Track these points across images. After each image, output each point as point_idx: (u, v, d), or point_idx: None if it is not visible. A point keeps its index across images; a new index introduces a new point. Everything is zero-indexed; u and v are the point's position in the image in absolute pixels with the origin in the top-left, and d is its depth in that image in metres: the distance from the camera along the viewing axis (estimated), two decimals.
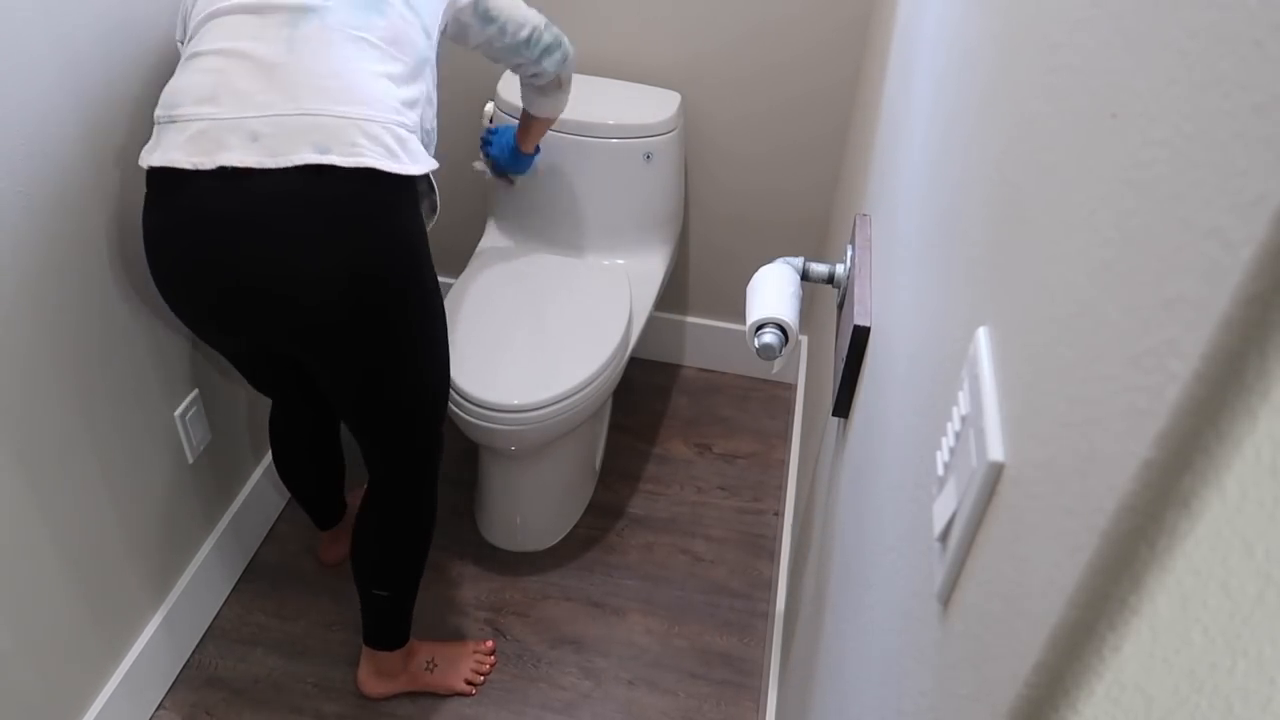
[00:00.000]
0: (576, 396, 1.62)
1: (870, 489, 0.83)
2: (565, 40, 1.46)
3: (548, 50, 1.44)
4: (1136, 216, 0.33)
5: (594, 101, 1.84)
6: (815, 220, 2.06)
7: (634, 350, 1.83)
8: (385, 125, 1.14)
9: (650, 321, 1.95)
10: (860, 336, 0.99)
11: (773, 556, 1.91)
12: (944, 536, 0.50)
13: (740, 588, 1.85)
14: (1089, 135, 0.38)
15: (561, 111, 1.62)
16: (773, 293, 1.11)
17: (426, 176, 1.27)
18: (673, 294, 2.25)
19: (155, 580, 1.58)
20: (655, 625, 1.78)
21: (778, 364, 1.15)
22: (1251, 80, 0.26)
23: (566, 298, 1.84)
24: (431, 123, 1.29)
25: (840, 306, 1.17)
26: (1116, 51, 0.36)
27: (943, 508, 0.51)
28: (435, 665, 1.63)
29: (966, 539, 0.47)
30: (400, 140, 1.16)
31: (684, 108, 1.92)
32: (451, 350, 1.64)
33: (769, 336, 1.08)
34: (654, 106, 1.83)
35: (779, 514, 1.98)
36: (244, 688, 1.65)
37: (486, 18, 1.36)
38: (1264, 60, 0.25)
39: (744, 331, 1.13)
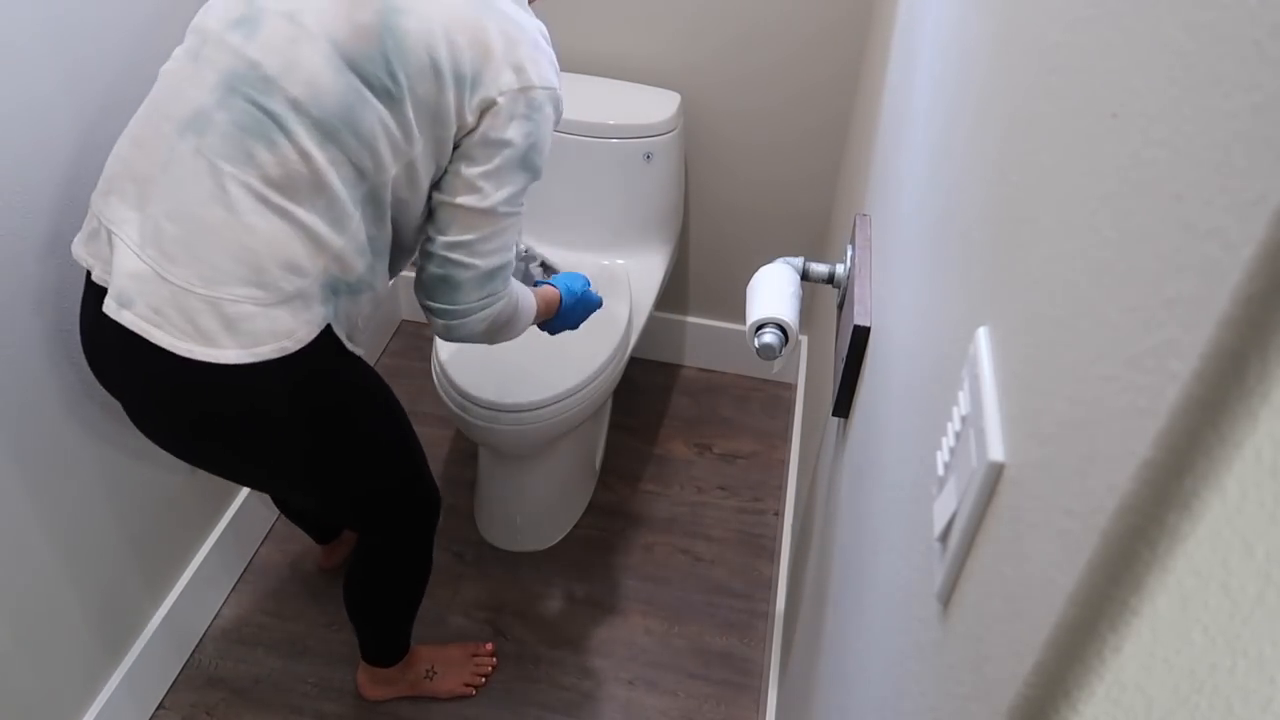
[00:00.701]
0: (576, 396, 1.62)
1: (870, 489, 0.83)
2: (474, 310, 1.13)
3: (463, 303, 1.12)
4: (1136, 216, 0.33)
5: (594, 101, 1.84)
6: (815, 220, 2.06)
7: (634, 350, 1.83)
8: (212, 299, 0.97)
9: (650, 321, 1.95)
10: (860, 336, 0.99)
11: (773, 556, 1.91)
12: (944, 536, 0.50)
13: (740, 588, 1.85)
14: (1089, 135, 0.38)
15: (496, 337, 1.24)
16: (773, 293, 1.11)
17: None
18: (673, 294, 2.25)
19: (155, 580, 1.58)
20: (655, 625, 1.78)
21: (778, 364, 1.15)
22: (1251, 80, 0.26)
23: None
24: (368, 268, 1.07)
25: (840, 306, 1.17)
26: (1116, 51, 0.36)
27: (943, 508, 0.51)
28: (435, 673, 1.63)
29: (966, 539, 0.47)
30: (228, 320, 0.97)
31: (684, 108, 1.92)
32: (452, 350, 1.64)
33: (769, 336, 1.08)
34: (654, 106, 1.83)
35: (779, 514, 1.98)
36: (244, 688, 1.65)
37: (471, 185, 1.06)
38: (1264, 60, 0.25)
39: (744, 331, 1.13)
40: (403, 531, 1.36)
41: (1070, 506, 0.34)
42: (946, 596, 0.50)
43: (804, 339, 2.21)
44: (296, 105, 0.97)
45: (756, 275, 1.16)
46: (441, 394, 1.63)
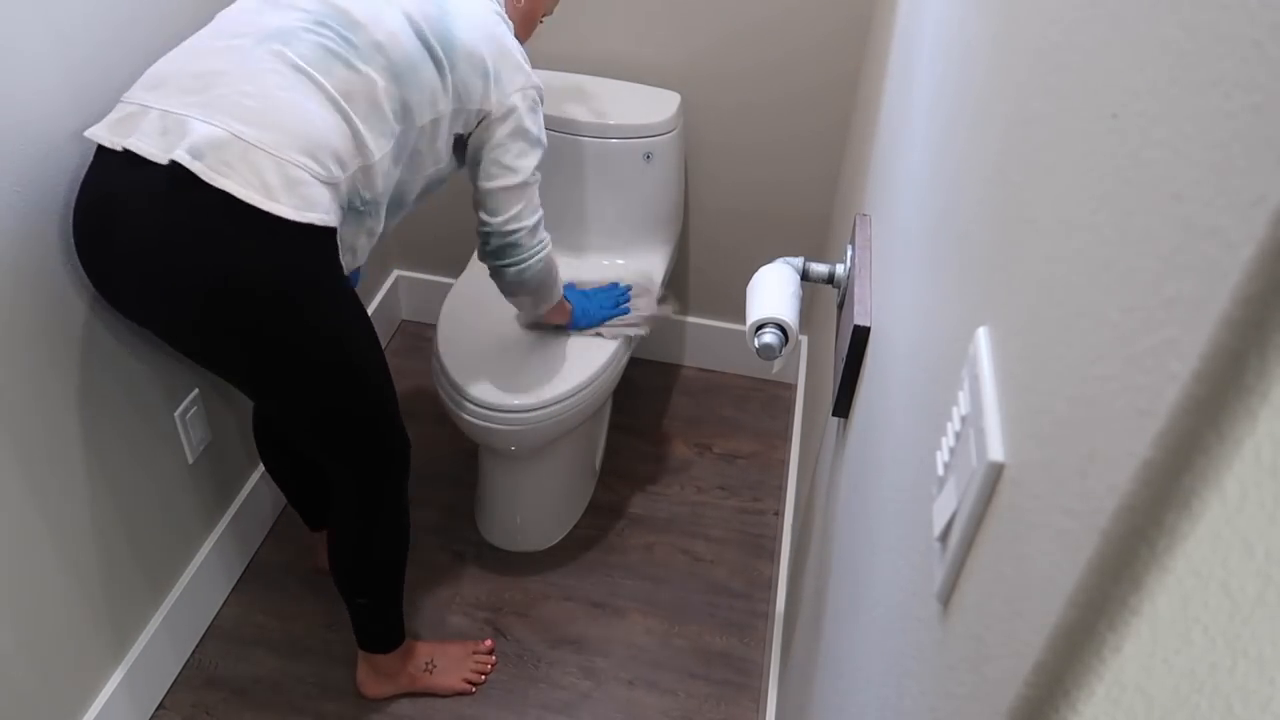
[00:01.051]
0: (576, 397, 1.62)
1: (870, 489, 0.83)
2: (534, 255, 1.39)
3: (508, 246, 1.38)
4: (1136, 217, 0.33)
5: (594, 102, 1.84)
6: (815, 220, 2.06)
7: (634, 350, 1.83)
8: (278, 159, 1.08)
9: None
10: (860, 336, 0.99)
11: (773, 556, 1.91)
12: (944, 536, 0.50)
13: (740, 588, 1.85)
14: (1089, 135, 0.38)
15: (534, 314, 1.58)
16: (773, 293, 1.11)
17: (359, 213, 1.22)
18: (673, 294, 2.25)
19: (155, 580, 1.58)
20: (655, 625, 1.78)
21: (778, 364, 1.15)
22: (1251, 80, 0.26)
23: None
24: (382, 193, 1.23)
25: (840, 306, 1.17)
26: (1116, 51, 0.36)
27: (943, 508, 0.51)
28: (434, 666, 1.63)
29: (966, 539, 0.47)
30: (289, 180, 1.08)
31: (684, 108, 1.92)
32: (452, 351, 1.64)
33: (769, 336, 1.08)
34: (654, 106, 1.83)
35: (779, 514, 1.98)
36: (244, 688, 1.65)
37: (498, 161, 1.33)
38: (1264, 60, 0.25)
39: (744, 331, 1.13)
40: (369, 471, 1.35)
41: (1070, 506, 0.34)
42: (946, 596, 0.50)
43: (804, 339, 2.21)
44: (379, 47, 1.19)
45: (756, 275, 1.16)
46: (441, 393, 1.63)
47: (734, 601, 1.83)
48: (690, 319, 2.29)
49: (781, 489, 2.04)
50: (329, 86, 1.15)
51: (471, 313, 1.75)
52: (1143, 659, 0.30)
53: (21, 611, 1.28)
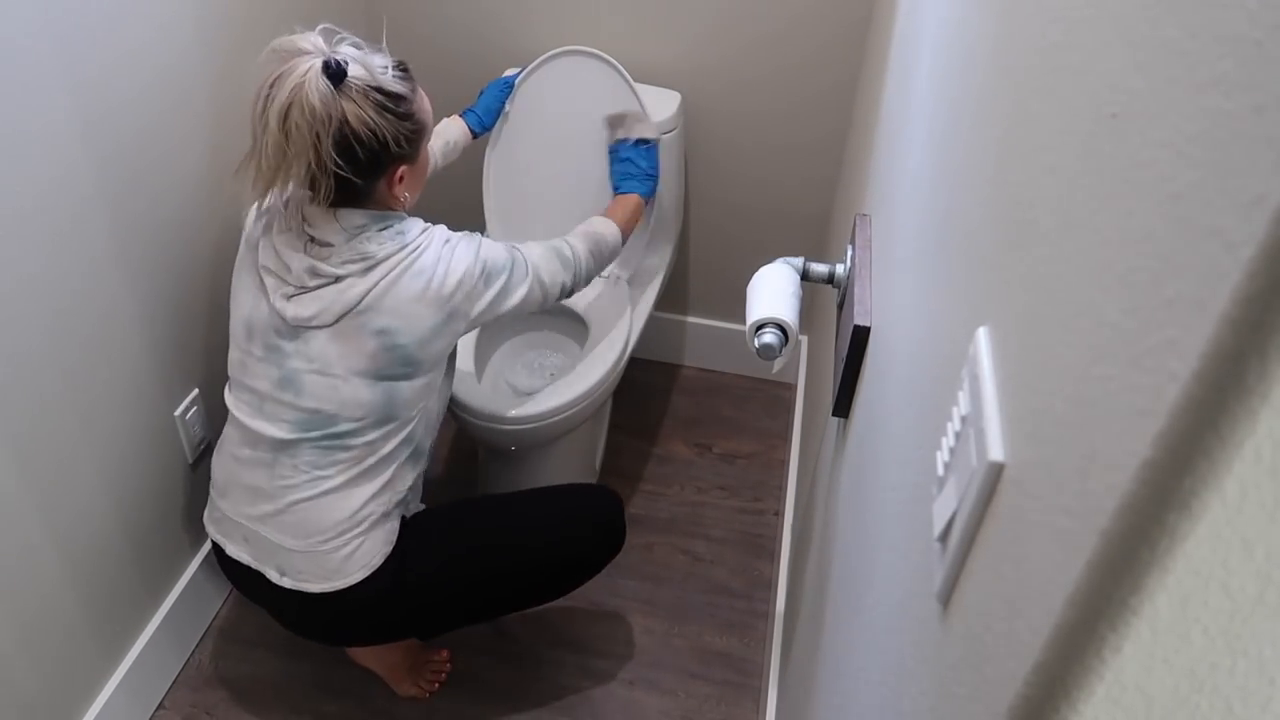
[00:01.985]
0: (573, 411, 1.63)
1: (870, 489, 0.83)
2: (577, 278, 1.47)
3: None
4: (1136, 216, 0.33)
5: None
6: (815, 220, 2.06)
7: (634, 350, 1.83)
8: (327, 553, 1.33)
9: (650, 321, 1.95)
10: (860, 336, 0.99)
11: (773, 556, 1.91)
12: (944, 536, 0.50)
13: (740, 588, 1.85)
14: (1089, 135, 0.38)
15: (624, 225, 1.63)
16: (773, 293, 1.11)
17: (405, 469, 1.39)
18: (673, 294, 2.25)
19: (155, 580, 1.58)
20: (655, 625, 1.78)
21: (778, 364, 1.14)
22: (1251, 80, 0.26)
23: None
24: (434, 413, 1.41)
25: (840, 306, 1.17)
26: (1116, 51, 0.36)
27: (943, 508, 0.51)
28: (412, 667, 1.65)
29: (966, 539, 0.47)
30: (346, 557, 1.34)
31: (684, 107, 1.92)
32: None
33: (769, 336, 1.08)
34: (654, 106, 1.83)
35: (779, 514, 1.98)
36: (244, 688, 1.65)
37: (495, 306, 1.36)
38: (1264, 60, 0.25)
39: (744, 331, 1.13)
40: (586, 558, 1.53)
41: (1070, 506, 0.34)
42: (946, 596, 0.50)
43: (804, 339, 2.21)
44: (358, 426, 1.31)
45: (756, 275, 1.16)
46: None
47: (734, 601, 1.83)
48: (690, 319, 2.29)
49: (781, 489, 2.03)
50: (338, 475, 1.32)
51: None
52: (1143, 659, 0.30)
53: (21, 612, 1.28)
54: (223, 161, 1.54)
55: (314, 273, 1.25)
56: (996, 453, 0.44)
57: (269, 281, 1.29)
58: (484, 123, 1.80)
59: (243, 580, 1.42)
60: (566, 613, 1.79)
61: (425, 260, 1.27)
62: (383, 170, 1.26)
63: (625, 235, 1.59)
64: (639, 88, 1.79)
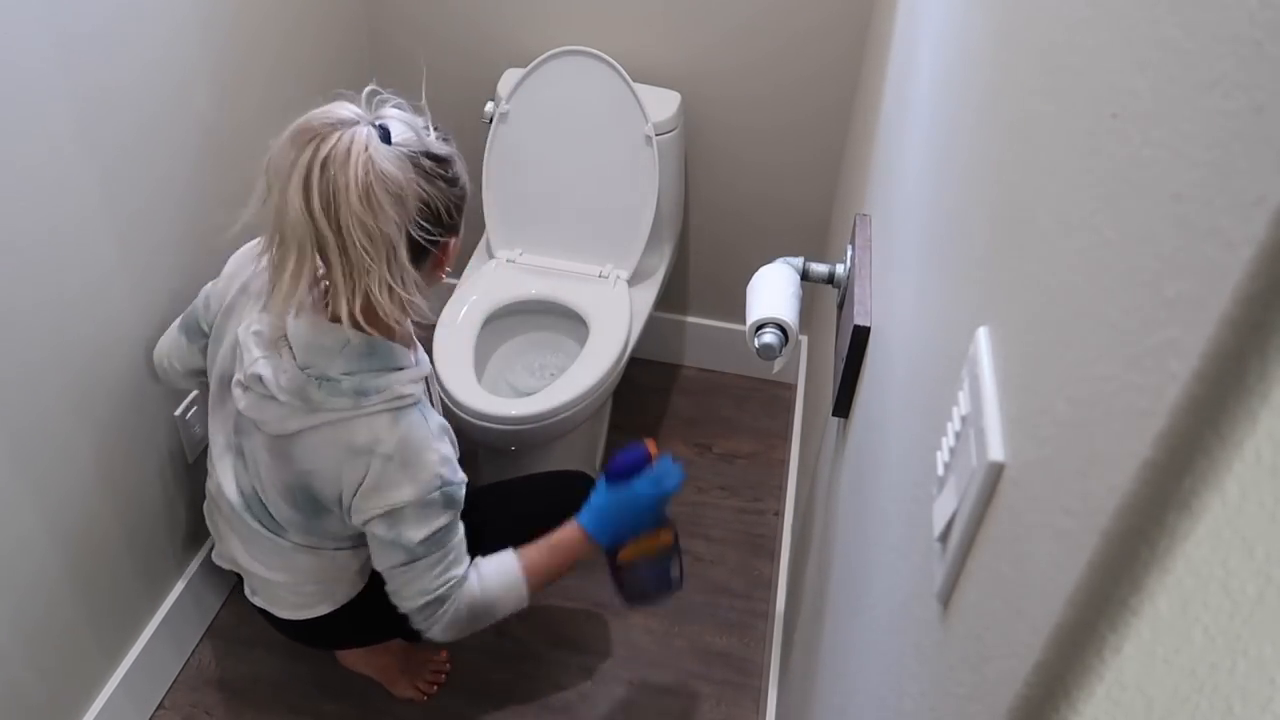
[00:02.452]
0: (573, 411, 1.63)
1: (870, 489, 0.83)
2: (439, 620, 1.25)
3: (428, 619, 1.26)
4: (1136, 216, 0.33)
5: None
6: (816, 220, 2.06)
7: (634, 350, 1.83)
8: (291, 589, 1.34)
9: (650, 321, 1.95)
10: (860, 336, 0.99)
11: (773, 556, 1.91)
12: (944, 536, 0.50)
13: (740, 588, 1.85)
14: (1089, 135, 0.38)
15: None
16: (773, 293, 1.11)
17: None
18: (673, 294, 2.25)
19: (155, 580, 1.58)
20: (655, 625, 1.78)
21: (778, 364, 1.15)
22: (1251, 80, 0.26)
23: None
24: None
25: (840, 306, 1.17)
26: (1116, 51, 0.36)
27: (943, 508, 0.51)
28: (405, 669, 1.64)
29: (966, 539, 0.47)
30: (312, 594, 1.34)
31: (684, 107, 1.92)
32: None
33: (769, 336, 1.08)
34: (654, 106, 1.83)
35: (779, 514, 1.98)
36: (244, 688, 1.65)
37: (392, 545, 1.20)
38: (1264, 60, 0.25)
39: (744, 331, 1.13)
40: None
41: (1070, 506, 0.34)
42: (946, 596, 0.50)
43: (804, 339, 2.21)
44: (287, 532, 1.29)
45: (756, 275, 1.16)
46: (442, 400, 1.63)
47: (734, 601, 1.83)
48: (690, 319, 2.29)
49: (781, 489, 2.03)
50: (286, 544, 1.30)
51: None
52: (1143, 659, 0.31)
53: (21, 612, 1.28)
54: (223, 162, 1.54)
55: (259, 381, 1.14)
56: (996, 453, 0.44)
57: (242, 355, 1.17)
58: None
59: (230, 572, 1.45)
60: (566, 613, 1.79)
61: (381, 436, 1.12)
62: (434, 246, 1.10)
63: (523, 601, 1.33)
64: (639, 88, 1.79)
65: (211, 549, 1.69)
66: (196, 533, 1.67)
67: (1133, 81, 0.34)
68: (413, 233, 1.05)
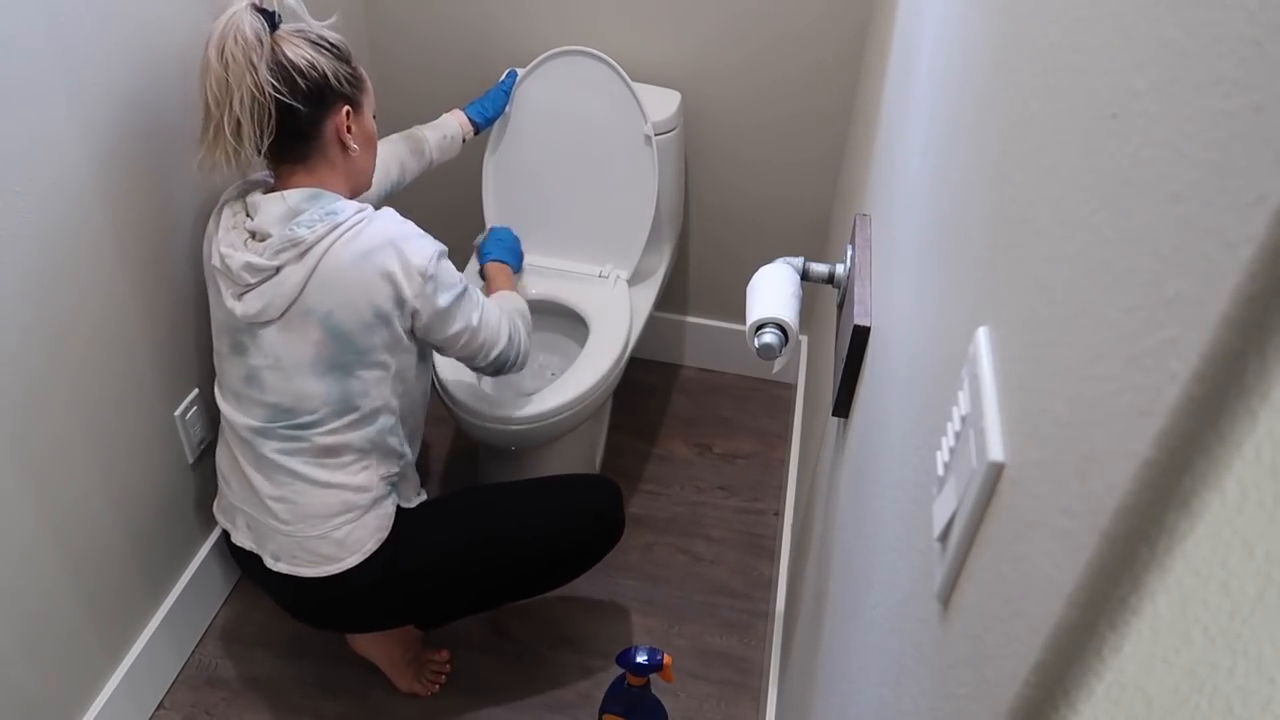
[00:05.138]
0: (573, 411, 1.63)
1: (870, 489, 0.83)
2: (516, 353, 1.46)
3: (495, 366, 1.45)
4: (1136, 216, 0.33)
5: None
6: (815, 220, 2.06)
7: (634, 350, 1.83)
8: (317, 539, 1.35)
9: (650, 321, 1.95)
10: (860, 336, 0.99)
11: (773, 556, 1.91)
12: (944, 536, 0.50)
13: (740, 588, 1.85)
14: (1089, 135, 0.38)
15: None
16: (773, 293, 1.11)
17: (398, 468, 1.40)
18: (673, 294, 2.25)
19: (155, 580, 1.58)
20: (655, 625, 1.78)
21: (778, 364, 1.14)
22: (1251, 80, 0.26)
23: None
24: (410, 405, 1.41)
25: (840, 306, 1.17)
26: (1116, 51, 0.36)
27: (943, 508, 0.51)
28: (412, 662, 1.64)
29: (966, 539, 0.47)
30: (337, 543, 1.35)
31: (684, 107, 1.92)
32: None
33: (769, 336, 1.08)
34: (654, 105, 1.83)
35: (779, 514, 1.98)
36: (244, 688, 1.65)
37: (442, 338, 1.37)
38: (1264, 60, 0.25)
39: (744, 331, 1.13)
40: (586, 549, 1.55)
41: (1070, 506, 0.34)
42: (946, 596, 0.50)
43: (804, 339, 2.21)
44: (317, 419, 1.32)
45: (756, 275, 1.16)
46: (440, 398, 1.63)
47: (734, 601, 1.83)
48: (690, 319, 2.29)
49: (781, 489, 2.03)
50: (311, 468, 1.33)
51: None
52: (1143, 659, 0.31)
53: (21, 612, 1.28)
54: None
55: (251, 268, 1.25)
56: (996, 453, 0.44)
57: (221, 282, 1.30)
58: (486, 114, 1.79)
59: (248, 564, 1.44)
60: (567, 612, 1.79)
61: (367, 238, 1.25)
62: (327, 107, 1.26)
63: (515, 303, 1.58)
64: (639, 87, 1.79)
65: (212, 547, 1.71)
66: (197, 532, 1.67)
67: (1133, 81, 0.34)
68: (270, 80, 1.21)
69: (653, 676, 1.50)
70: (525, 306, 1.56)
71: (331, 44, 1.28)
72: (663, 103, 1.86)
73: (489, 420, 1.58)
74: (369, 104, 1.34)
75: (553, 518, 1.50)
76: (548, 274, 1.89)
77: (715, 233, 2.14)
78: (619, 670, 1.53)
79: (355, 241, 1.25)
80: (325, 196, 1.27)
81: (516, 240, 1.80)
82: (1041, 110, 0.46)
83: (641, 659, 1.45)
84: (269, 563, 1.38)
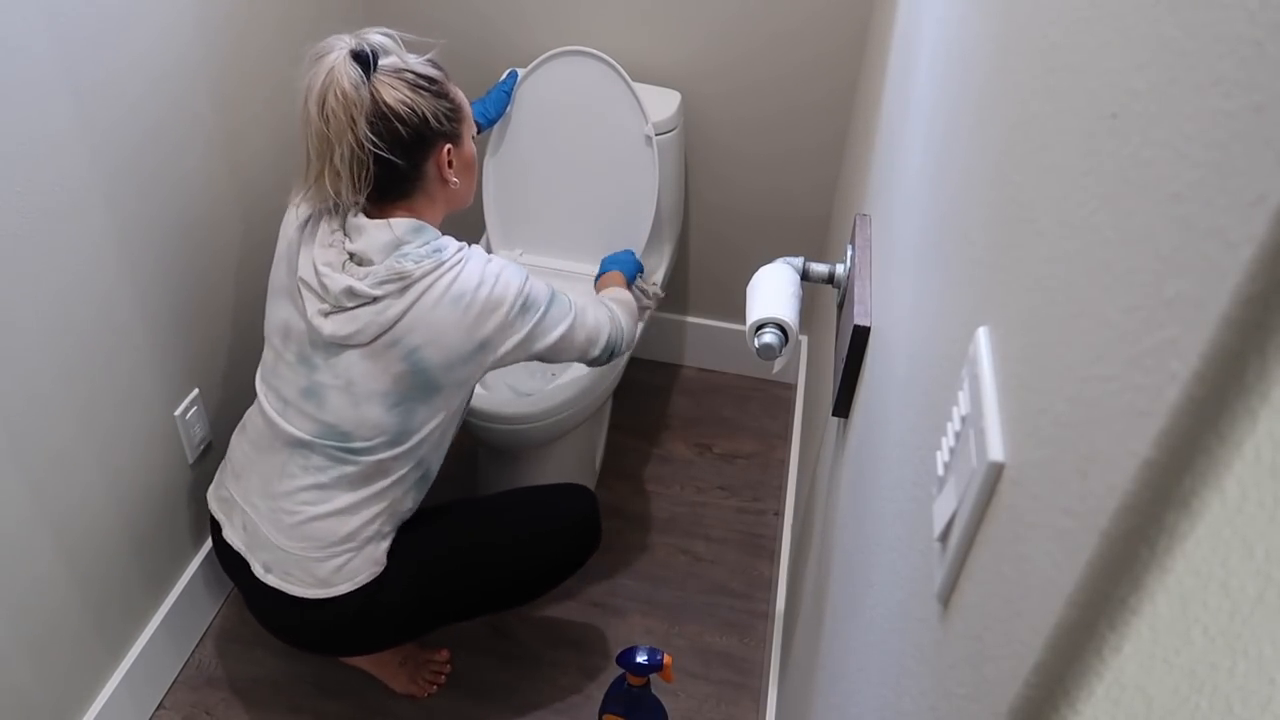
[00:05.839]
0: (574, 410, 1.63)
1: (870, 489, 0.83)
2: (621, 340, 1.46)
3: (605, 355, 1.45)
4: (1136, 216, 0.33)
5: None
6: (816, 220, 2.06)
7: (634, 350, 1.83)
8: (318, 562, 1.34)
9: (650, 321, 1.95)
10: (860, 336, 0.99)
11: (773, 556, 1.91)
12: (944, 536, 0.50)
13: (740, 588, 1.85)
14: (1089, 135, 0.38)
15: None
16: (773, 293, 1.11)
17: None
18: (673, 294, 2.25)
19: (155, 580, 1.58)
20: (655, 625, 1.78)
21: (778, 364, 1.15)
22: (1251, 80, 0.26)
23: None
24: (447, 440, 1.42)
25: (840, 306, 1.17)
26: (1116, 51, 0.36)
27: (943, 508, 0.51)
28: (404, 663, 1.64)
29: (966, 539, 0.47)
30: (335, 569, 1.35)
31: (684, 106, 1.92)
32: None
33: (769, 336, 1.08)
34: (654, 105, 1.83)
35: (779, 514, 1.98)
36: (244, 688, 1.65)
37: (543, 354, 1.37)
38: (1264, 60, 0.25)
39: (744, 331, 1.13)
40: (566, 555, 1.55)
41: (1070, 506, 0.34)
42: (946, 596, 0.50)
43: (804, 339, 2.21)
44: (371, 445, 1.32)
45: (756, 275, 1.16)
46: None
47: (734, 601, 1.83)
48: (690, 319, 2.29)
49: (781, 489, 2.03)
50: (343, 490, 1.33)
51: None
52: (1143, 659, 0.31)
53: (21, 612, 1.28)
54: (223, 161, 1.54)
55: (351, 293, 1.25)
56: (996, 453, 0.44)
57: (306, 295, 1.29)
58: (488, 115, 1.78)
59: (230, 563, 1.43)
60: (567, 612, 1.79)
61: (465, 279, 1.26)
62: (428, 149, 1.26)
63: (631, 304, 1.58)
64: (639, 88, 1.79)
65: (212, 547, 1.70)
66: (197, 532, 1.67)
67: (1133, 81, 0.34)
68: (369, 135, 1.20)
69: (653, 676, 1.50)
70: (628, 295, 1.56)
71: (429, 80, 1.26)
72: (663, 103, 1.86)
73: (489, 420, 1.58)
74: (468, 130, 1.33)
75: (529, 530, 1.50)
76: (548, 274, 1.89)
77: (715, 233, 2.14)
78: (619, 670, 1.53)
79: (456, 282, 1.25)
80: (428, 230, 1.28)
81: (635, 261, 1.72)
82: (1042, 110, 0.46)
83: (641, 659, 1.45)
84: (258, 571, 1.37)
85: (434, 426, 1.34)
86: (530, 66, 1.80)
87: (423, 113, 1.23)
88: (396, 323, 1.25)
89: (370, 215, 1.27)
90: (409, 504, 1.40)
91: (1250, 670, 0.29)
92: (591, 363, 1.44)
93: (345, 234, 1.27)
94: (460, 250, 1.28)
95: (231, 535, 1.41)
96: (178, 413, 1.55)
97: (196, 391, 1.59)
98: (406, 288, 1.24)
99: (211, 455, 1.66)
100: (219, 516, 1.44)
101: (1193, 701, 0.30)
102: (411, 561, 1.41)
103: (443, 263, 1.25)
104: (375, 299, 1.24)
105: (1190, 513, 0.28)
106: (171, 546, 1.60)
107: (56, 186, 1.21)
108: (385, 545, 1.39)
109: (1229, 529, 0.27)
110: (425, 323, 1.25)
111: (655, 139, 1.79)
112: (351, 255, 1.26)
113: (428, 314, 1.25)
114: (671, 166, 1.89)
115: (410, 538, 1.42)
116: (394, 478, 1.35)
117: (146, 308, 1.43)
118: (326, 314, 1.27)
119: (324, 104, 1.19)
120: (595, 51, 1.76)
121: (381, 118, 1.21)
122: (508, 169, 1.89)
